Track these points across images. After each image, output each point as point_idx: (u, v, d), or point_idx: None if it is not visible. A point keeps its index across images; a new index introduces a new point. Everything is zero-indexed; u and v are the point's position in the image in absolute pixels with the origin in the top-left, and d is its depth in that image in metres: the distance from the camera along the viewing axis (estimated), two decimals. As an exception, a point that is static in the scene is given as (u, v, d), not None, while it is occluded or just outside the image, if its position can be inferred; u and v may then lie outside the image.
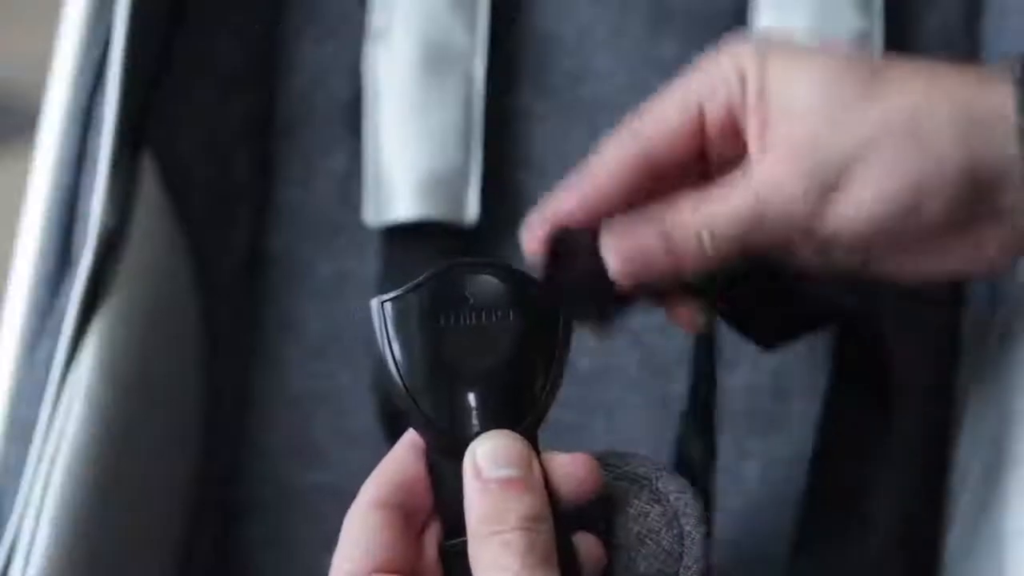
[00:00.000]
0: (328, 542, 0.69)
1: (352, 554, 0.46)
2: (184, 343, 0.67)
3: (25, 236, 0.64)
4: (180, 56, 0.69)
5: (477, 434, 0.46)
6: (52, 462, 0.57)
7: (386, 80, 0.70)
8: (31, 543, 0.55)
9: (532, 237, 0.54)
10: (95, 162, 0.62)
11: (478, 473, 0.45)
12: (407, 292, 0.47)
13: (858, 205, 0.50)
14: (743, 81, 0.53)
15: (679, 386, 0.63)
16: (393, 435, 0.67)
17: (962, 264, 0.53)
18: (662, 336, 0.67)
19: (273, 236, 0.72)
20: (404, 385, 0.47)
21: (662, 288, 0.54)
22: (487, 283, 0.47)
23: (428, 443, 0.47)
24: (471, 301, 0.47)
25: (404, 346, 0.47)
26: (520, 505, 0.45)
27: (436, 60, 0.70)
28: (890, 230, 0.51)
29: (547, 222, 0.54)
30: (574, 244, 0.53)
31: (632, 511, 0.47)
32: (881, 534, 0.63)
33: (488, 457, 0.45)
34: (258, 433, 0.70)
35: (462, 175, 0.69)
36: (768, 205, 0.51)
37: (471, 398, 0.46)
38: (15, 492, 0.57)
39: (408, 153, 0.69)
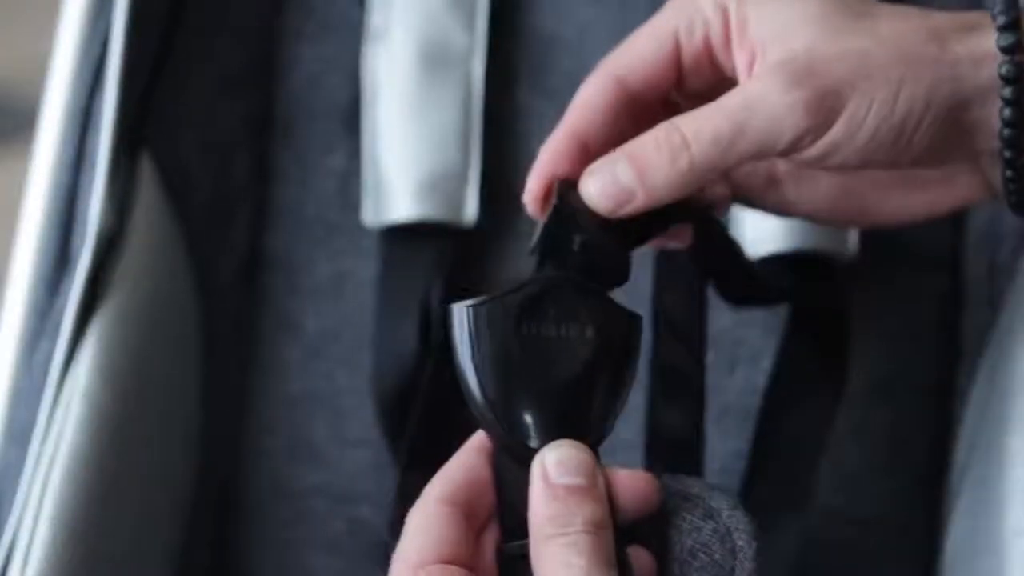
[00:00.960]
0: (326, 542, 0.69)
1: (420, 544, 0.47)
2: (183, 343, 0.67)
3: (24, 236, 0.64)
4: (180, 56, 0.69)
5: (545, 442, 0.47)
6: (51, 463, 0.57)
7: (385, 80, 0.70)
8: (30, 544, 0.55)
9: (532, 198, 0.54)
10: (94, 162, 0.62)
11: (546, 478, 0.47)
12: (491, 300, 0.49)
13: (857, 123, 0.50)
14: (724, 15, 0.52)
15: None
16: (392, 436, 0.67)
17: (927, 207, 0.53)
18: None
19: (272, 236, 0.72)
20: (480, 390, 0.48)
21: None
22: (567, 298, 0.49)
23: (497, 447, 0.49)
24: (551, 314, 0.49)
25: (482, 352, 0.48)
26: (586, 510, 0.46)
27: (435, 60, 0.69)
28: (877, 156, 0.51)
29: (542, 177, 0.54)
30: (575, 197, 0.52)
31: (686, 526, 0.48)
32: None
33: (557, 464, 0.47)
34: (256, 433, 0.70)
35: (461, 175, 0.69)
36: (754, 115, 0.50)
37: (543, 408, 0.48)
38: (14, 493, 0.57)
39: (407, 153, 0.69)
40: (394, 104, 0.69)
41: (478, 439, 0.50)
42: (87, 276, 0.60)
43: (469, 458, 0.49)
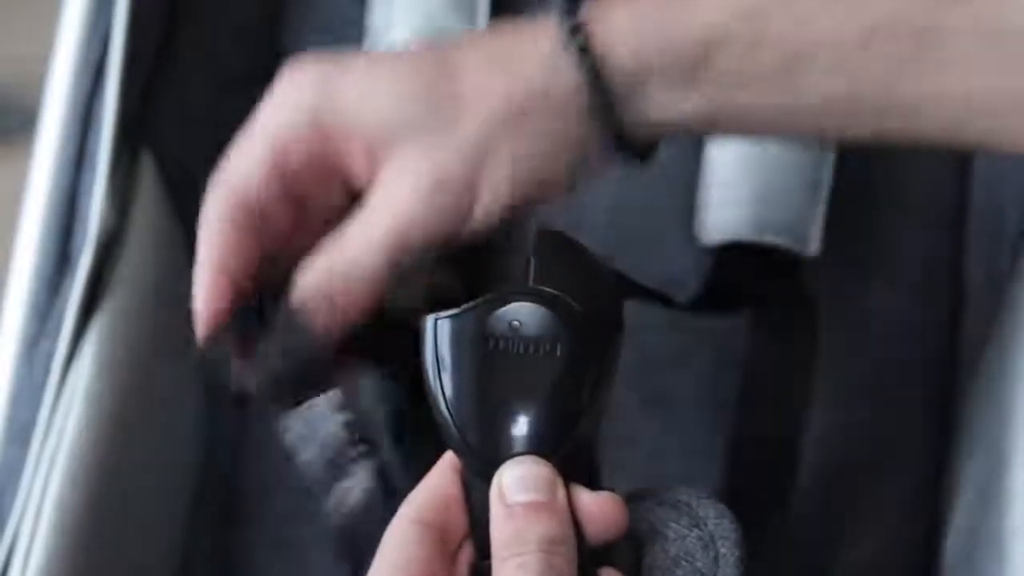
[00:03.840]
0: (327, 540, 0.69)
1: (387, 569, 0.46)
2: (183, 342, 0.67)
3: (24, 236, 0.64)
4: (180, 55, 0.69)
5: (506, 459, 0.47)
6: (52, 462, 0.57)
7: (386, 79, 0.70)
8: (31, 542, 0.55)
9: (203, 333, 0.53)
10: (94, 162, 0.62)
11: (503, 498, 0.46)
12: (462, 312, 0.48)
13: (496, 201, 0.49)
14: (317, 122, 0.50)
15: (675, 384, 0.63)
16: (396, 436, 0.67)
17: None
18: (656, 334, 0.67)
19: (273, 236, 0.72)
20: (445, 403, 0.47)
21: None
22: (537, 313, 0.48)
23: (463, 464, 0.48)
24: (520, 330, 0.47)
25: (451, 365, 0.47)
26: (540, 528, 0.45)
27: (436, 59, 0.69)
28: (533, 197, 0.50)
29: (208, 313, 0.53)
30: (252, 324, 0.52)
31: (671, 534, 0.48)
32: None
33: (513, 482, 0.46)
34: (257, 431, 0.70)
35: (461, 175, 0.69)
36: (409, 235, 0.49)
37: (508, 424, 0.47)
38: (15, 492, 0.57)
39: (408, 153, 0.68)
40: (395, 103, 0.69)
41: (450, 456, 0.49)
42: (88, 275, 0.60)
43: (443, 475, 0.48)
